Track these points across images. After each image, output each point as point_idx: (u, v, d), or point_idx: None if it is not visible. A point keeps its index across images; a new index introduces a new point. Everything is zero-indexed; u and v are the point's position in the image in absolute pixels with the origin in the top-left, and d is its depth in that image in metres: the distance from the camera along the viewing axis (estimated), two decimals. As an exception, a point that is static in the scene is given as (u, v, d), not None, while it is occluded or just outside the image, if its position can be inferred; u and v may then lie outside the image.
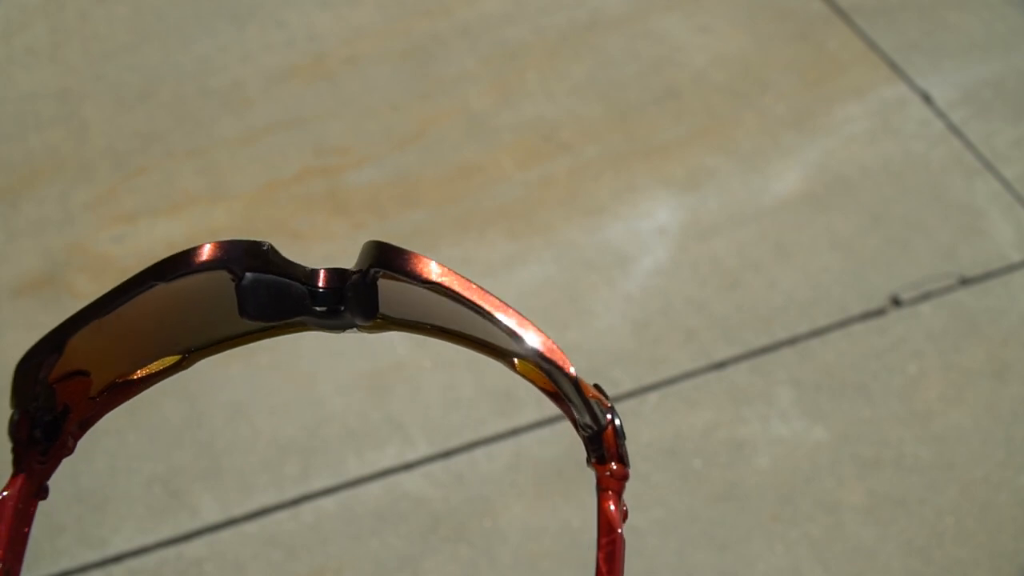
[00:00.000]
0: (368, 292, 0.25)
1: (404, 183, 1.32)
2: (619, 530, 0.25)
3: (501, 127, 1.38)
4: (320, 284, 0.25)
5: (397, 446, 1.06)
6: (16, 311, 1.20)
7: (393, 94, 1.43)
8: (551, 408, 1.08)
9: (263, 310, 0.25)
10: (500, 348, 0.26)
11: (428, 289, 0.24)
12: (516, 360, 0.26)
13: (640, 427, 1.07)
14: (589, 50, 1.48)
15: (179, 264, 0.23)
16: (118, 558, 1.00)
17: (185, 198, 1.32)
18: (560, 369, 0.23)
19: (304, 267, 0.25)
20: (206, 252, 0.23)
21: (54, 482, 0.25)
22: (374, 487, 1.04)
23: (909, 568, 0.97)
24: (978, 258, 1.20)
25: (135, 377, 0.26)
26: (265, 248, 0.24)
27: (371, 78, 1.46)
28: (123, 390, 0.26)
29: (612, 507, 0.25)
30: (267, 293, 0.24)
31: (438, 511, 1.02)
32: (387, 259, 0.24)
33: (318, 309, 0.25)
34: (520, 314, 0.24)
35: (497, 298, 0.24)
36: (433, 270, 0.23)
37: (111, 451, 1.07)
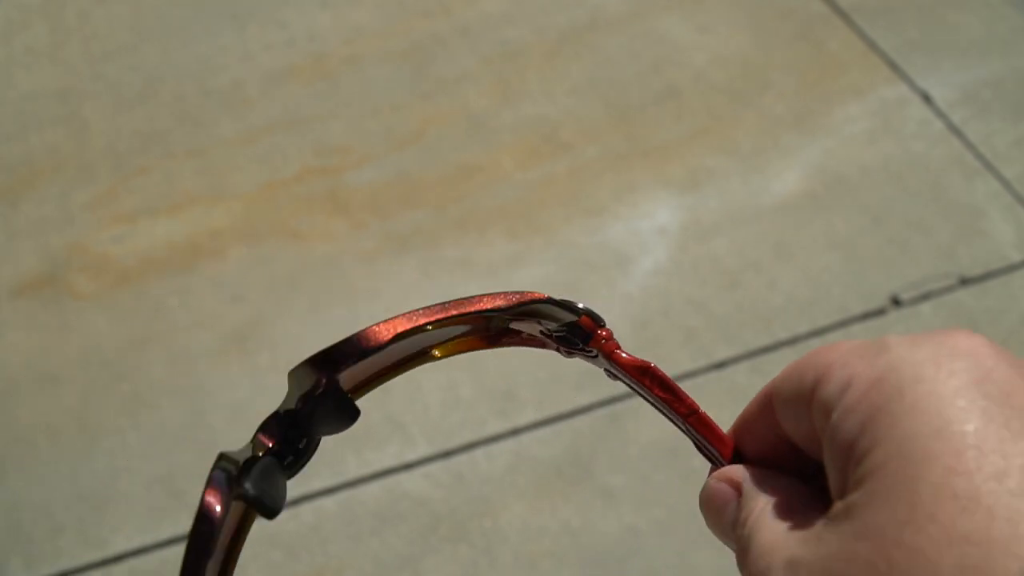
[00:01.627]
0: (341, 401, 0.25)
1: (404, 183, 1.32)
2: (651, 364, 0.27)
3: (501, 127, 1.38)
4: (271, 445, 0.25)
5: (397, 446, 1.06)
6: (16, 311, 1.20)
7: (393, 94, 1.43)
8: (551, 408, 1.08)
9: (275, 500, 0.24)
10: (417, 353, 0.27)
11: (396, 343, 0.24)
12: (436, 351, 0.27)
13: (640, 427, 1.07)
14: (589, 50, 1.48)
15: (209, 526, 0.22)
16: (118, 558, 1.00)
17: (185, 198, 1.32)
18: (534, 299, 0.25)
19: (241, 449, 0.25)
20: (215, 498, 0.23)
21: (54, 482, 0.24)
22: (374, 487, 1.04)
23: (909, 568, 0.97)
24: (978, 258, 1.20)
25: None
26: (230, 455, 0.24)
27: (371, 78, 1.46)
28: None
29: (626, 355, 0.27)
30: (266, 482, 0.24)
31: (438, 511, 1.02)
32: (345, 356, 0.24)
33: (285, 463, 0.25)
34: (455, 302, 0.25)
35: (446, 304, 0.25)
36: (383, 331, 0.24)
37: (112, 451, 1.07)
